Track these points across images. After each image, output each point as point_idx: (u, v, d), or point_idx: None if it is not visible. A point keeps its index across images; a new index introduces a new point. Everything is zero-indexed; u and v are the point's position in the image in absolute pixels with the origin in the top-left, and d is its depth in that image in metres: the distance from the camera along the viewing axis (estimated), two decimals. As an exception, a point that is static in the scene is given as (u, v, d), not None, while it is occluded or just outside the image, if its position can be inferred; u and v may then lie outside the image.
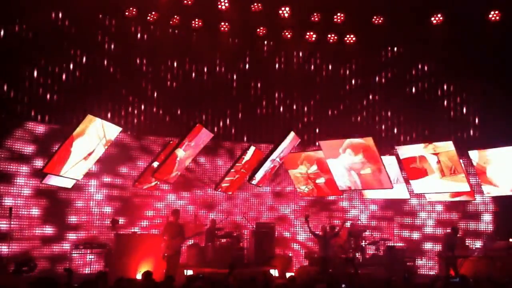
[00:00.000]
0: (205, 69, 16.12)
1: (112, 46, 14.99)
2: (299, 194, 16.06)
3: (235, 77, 16.41)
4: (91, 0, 14.04)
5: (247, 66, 16.53)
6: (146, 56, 15.46)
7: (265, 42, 16.48)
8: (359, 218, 16.14)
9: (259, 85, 16.51)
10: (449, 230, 13.71)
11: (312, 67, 16.72)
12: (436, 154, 13.42)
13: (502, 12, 14.68)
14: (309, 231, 13.59)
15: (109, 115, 14.40)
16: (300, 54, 16.61)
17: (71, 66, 14.43)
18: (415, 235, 15.99)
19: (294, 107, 16.56)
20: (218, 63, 16.26)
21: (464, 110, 15.74)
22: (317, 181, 15.39)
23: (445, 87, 16.00)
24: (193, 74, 16.04)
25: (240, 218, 15.86)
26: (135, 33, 15.35)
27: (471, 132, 15.47)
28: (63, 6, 14.15)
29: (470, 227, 15.40)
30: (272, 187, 16.52)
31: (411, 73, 16.22)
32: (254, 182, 14.82)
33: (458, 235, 13.64)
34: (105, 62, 14.88)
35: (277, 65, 16.62)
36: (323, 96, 16.66)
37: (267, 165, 14.73)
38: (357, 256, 14.41)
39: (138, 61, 15.37)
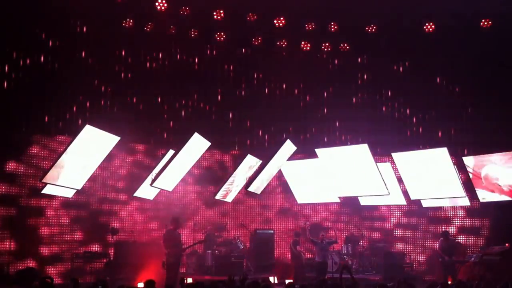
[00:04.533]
0: (202, 77, 16.30)
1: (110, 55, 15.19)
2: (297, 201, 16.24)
3: (231, 84, 16.59)
4: (89, 11, 14.18)
5: (242, 74, 16.72)
6: (143, 65, 15.63)
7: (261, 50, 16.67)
8: (357, 224, 16.29)
9: (255, 92, 16.69)
10: (443, 236, 13.88)
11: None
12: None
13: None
14: (307, 238, 13.70)
15: (107, 124, 14.46)
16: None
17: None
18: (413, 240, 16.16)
19: (291, 115, 16.69)
20: (215, 71, 16.41)
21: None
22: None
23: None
24: (190, 82, 16.20)
25: (239, 226, 15.95)
26: (132, 43, 15.48)
27: (466, 138, 15.60)
28: (59, 16, 14.27)
29: (466, 232, 15.57)
30: (270, 194, 16.63)
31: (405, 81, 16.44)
32: (251, 189, 14.96)
33: (453, 240, 13.79)
34: (103, 72, 15.03)
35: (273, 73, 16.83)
36: (319, 102, 16.85)
37: (265, 173, 14.88)
38: (352, 262, 14.56)
39: (136, 70, 15.55)
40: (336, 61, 16.72)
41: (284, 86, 16.84)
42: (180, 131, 15.43)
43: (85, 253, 13.59)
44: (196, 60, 16.26)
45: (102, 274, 13.03)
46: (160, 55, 15.85)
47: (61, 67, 14.34)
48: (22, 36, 13.74)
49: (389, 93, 16.48)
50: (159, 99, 15.76)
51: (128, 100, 15.28)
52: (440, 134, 15.70)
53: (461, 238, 15.34)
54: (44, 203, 13.79)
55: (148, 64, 15.71)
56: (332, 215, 16.82)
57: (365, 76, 16.68)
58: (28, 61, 13.99)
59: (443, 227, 15.13)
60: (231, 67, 16.60)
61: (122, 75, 15.33)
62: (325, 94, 16.83)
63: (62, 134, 14.06)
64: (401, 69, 16.39)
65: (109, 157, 13.85)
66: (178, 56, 16.11)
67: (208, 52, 16.35)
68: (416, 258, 15.73)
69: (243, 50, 16.57)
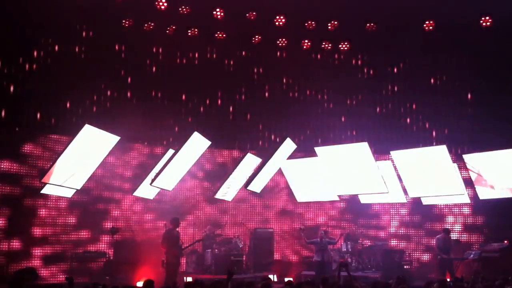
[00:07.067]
0: (202, 77, 16.31)
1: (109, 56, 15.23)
2: (296, 200, 16.24)
3: (230, 85, 16.60)
4: (88, 11, 14.21)
5: (242, 75, 16.72)
6: (143, 65, 15.66)
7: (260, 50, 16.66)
8: (356, 222, 16.31)
9: (254, 93, 16.70)
10: (442, 234, 13.88)
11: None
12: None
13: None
14: (305, 241, 13.75)
15: (106, 124, 14.51)
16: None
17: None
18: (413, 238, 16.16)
19: (290, 114, 16.70)
20: (215, 71, 16.43)
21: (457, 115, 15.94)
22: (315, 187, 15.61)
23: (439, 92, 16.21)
24: (190, 83, 16.21)
25: (238, 224, 15.97)
26: (132, 42, 15.50)
27: (466, 136, 15.58)
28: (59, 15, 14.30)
29: (466, 229, 15.57)
30: (270, 193, 16.64)
31: (405, 79, 16.44)
32: (251, 188, 14.97)
33: (451, 237, 13.81)
34: (102, 72, 15.07)
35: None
36: (318, 103, 16.88)
37: (264, 172, 14.90)
38: (351, 260, 14.59)
39: (136, 70, 15.58)
40: (335, 59, 16.74)
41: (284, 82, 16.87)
42: (181, 130, 15.51)
43: (85, 253, 13.63)
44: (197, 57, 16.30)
45: (101, 274, 13.11)
46: (161, 54, 15.89)
47: (61, 66, 14.38)
48: (21, 35, 13.77)
49: (389, 92, 16.51)
50: (159, 99, 15.82)
51: (128, 100, 15.35)
52: (439, 132, 15.72)
53: (461, 236, 15.36)
54: (41, 202, 13.81)
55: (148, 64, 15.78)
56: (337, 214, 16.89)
57: (364, 75, 16.70)
58: (27, 61, 14.07)
59: (442, 225, 15.17)
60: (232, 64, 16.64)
61: (122, 73, 15.38)
62: (325, 92, 16.88)
63: (61, 133, 14.09)
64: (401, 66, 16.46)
65: (109, 157, 13.88)
66: (178, 55, 16.15)
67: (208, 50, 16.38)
68: (415, 256, 15.75)
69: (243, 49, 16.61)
